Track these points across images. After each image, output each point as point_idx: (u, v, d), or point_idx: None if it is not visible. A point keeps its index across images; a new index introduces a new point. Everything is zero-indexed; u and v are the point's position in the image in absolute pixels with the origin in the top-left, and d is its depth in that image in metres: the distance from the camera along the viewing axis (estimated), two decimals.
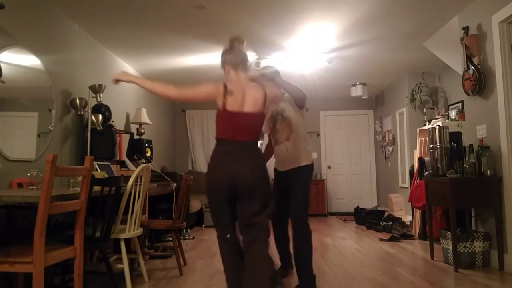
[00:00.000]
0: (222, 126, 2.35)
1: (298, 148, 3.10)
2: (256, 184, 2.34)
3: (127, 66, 5.57)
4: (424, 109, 5.96)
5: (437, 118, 5.17)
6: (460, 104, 5.41)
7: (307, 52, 5.14)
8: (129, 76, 2.41)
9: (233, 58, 2.43)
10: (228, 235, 2.39)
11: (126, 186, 2.98)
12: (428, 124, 5.25)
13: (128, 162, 4.78)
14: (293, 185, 3.09)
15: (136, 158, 5.02)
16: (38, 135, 3.39)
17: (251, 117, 2.36)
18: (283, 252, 3.40)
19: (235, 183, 2.28)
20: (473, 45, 3.69)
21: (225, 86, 2.33)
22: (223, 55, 2.49)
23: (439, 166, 3.77)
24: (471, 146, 3.61)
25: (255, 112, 2.37)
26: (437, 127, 3.83)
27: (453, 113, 5.47)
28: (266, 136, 3.39)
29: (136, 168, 3.35)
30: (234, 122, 2.32)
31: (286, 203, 3.26)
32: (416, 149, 5.42)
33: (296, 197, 3.05)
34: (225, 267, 2.44)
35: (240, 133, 2.33)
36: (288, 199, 3.18)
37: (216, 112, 2.38)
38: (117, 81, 2.42)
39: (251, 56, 5.22)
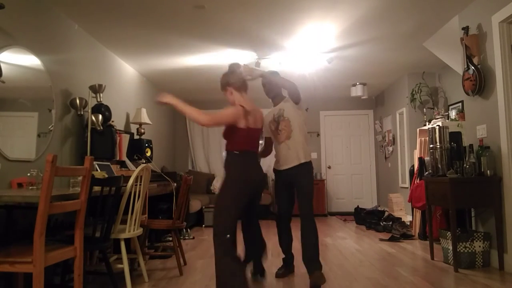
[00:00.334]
0: (246, 141, 2.71)
1: (298, 146, 3.19)
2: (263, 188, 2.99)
3: (127, 66, 5.57)
4: (424, 109, 5.96)
5: (437, 118, 5.16)
6: (460, 104, 5.41)
7: (307, 52, 5.13)
8: (171, 99, 2.59)
9: (236, 80, 2.73)
10: (228, 235, 2.53)
11: (126, 186, 2.98)
12: (428, 124, 5.25)
13: (128, 162, 4.78)
14: (296, 183, 3.15)
15: (136, 158, 5.02)
16: (38, 135, 3.39)
17: (259, 132, 2.85)
18: (287, 253, 3.41)
19: (257, 188, 2.82)
20: (473, 45, 3.69)
21: (243, 108, 2.65)
22: (224, 78, 2.77)
23: (439, 166, 3.77)
24: (471, 146, 3.61)
25: (261, 128, 2.88)
26: (437, 127, 3.83)
27: (453, 113, 5.47)
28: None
29: (136, 168, 3.35)
30: (254, 137, 2.76)
31: (289, 202, 3.30)
32: (416, 149, 5.42)
33: (303, 194, 3.13)
34: (223, 268, 2.47)
35: (256, 146, 2.81)
36: (292, 197, 3.24)
37: (232, 128, 2.66)
38: (161, 103, 2.60)
39: (251, 56, 5.22)
